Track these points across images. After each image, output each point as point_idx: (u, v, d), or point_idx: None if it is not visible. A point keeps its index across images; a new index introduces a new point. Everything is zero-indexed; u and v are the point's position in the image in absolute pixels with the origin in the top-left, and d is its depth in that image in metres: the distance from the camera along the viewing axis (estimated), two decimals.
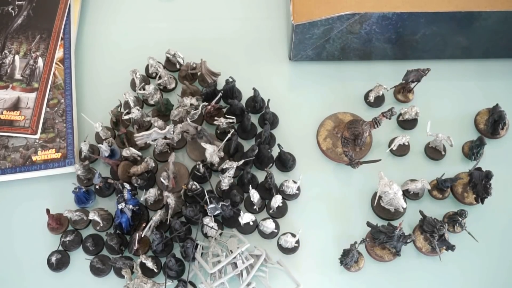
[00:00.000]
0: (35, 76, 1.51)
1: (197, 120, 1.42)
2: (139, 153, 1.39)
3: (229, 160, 1.35)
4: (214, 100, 1.43)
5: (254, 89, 1.44)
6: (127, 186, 1.32)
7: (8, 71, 1.52)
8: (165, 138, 1.39)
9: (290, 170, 1.41)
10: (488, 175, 1.29)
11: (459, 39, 1.47)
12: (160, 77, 1.49)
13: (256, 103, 1.47)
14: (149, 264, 1.26)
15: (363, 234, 1.33)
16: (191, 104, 1.40)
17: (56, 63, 1.53)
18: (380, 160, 1.38)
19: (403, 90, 1.49)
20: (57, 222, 1.35)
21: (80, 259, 1.34)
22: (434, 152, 1.42)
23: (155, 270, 1.28)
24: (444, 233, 1.25)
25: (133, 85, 1.52)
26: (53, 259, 1.32)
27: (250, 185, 1.33)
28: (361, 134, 1.34)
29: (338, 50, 1.50)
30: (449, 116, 1.47)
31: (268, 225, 1.31)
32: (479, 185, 1.31)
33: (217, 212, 1.30)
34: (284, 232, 1.34)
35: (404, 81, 1.46)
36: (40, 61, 1.52)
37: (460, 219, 1.30)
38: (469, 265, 1.31)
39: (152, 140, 1.38)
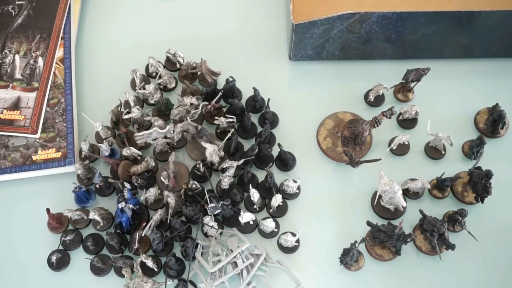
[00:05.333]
0: (35, 76, 1.51)
1: (197, 120, 1.42)
2: (139, 153, 1.39)
3: (229, 160, 1.36)
4: (214, 100, 1.43)
5: (254, 89, 1.44)
6: (127, 185, 1.32)
7: (8, 70, 1.52)
8: (165, 137, 1.39)
9: (290, 169, 1.42)
10: (488, 174, 1.29)
11: (459, 39, 1.47)
12: (160, 77, 1.49)
13: (256, 103, 1.47)
14: (149, 263, 1.26)
15: (363, 233, 1.33)
16: (191, 104, 1.40)
17: (56, 63, 1.53)
18: (380, 159, 1.38)
19: (403, 90, 1.49)
20: (57, 222, 1.35)
21: (80, 259, 1.34)
22: (434, 152, 1.42)
23: (155, 269, 1.28)
24: (444, 232, 1.25)
25: (133, 84, 1.52)
26: (54, 258, 1.32)
27: (250, 185, 1.33)
28: (361, 133, 1.34)
29: (338, 50, 1.50)
30: (449, 115, 1.48)
31: (268, 224, 1.31)
32: (479, 184, 1.31)
33: (217, 211, 1.30)
34: (284, 232, 1.34)
35: (404, 81, 1.46)
36: (40, 61, 1.53)
37: (460, 218, 1.30)
38: (469, 264, 1.31)
39: (152, 140, 1.38)
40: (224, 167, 1.33)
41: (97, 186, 1.37)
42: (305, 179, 1.38)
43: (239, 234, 1.33)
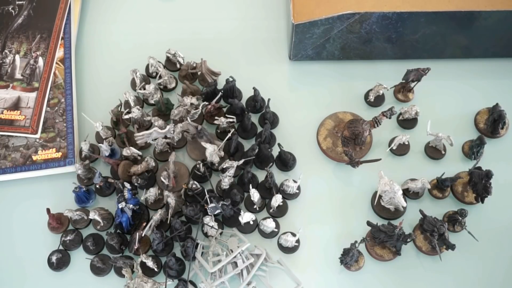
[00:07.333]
0: (35, 76, 1.51)
1: (197, 120, 1.42)
2: (140, 153, 1.39)
3: (229, 160, 1.36)
4: (214, 100, 1.43)
5: (254, 89, 1.44)
6: (127, 185, 1.32)
7: (9, 70, 1.52)
8: (166, 137, 1.39)
9: (290, 169, 1.42)
10: (488, 174, 1.29)
11: (459, 39, 1.47)
12: (160, 77, 1.49)
13: (256, 103, 1.47)
14: (150, 263, 1.26)
15: (363, 233, 1.33)
16: (192, 104, 1.40)
17: (56, 63, 1.53)
18: (380, 159, 1.38)
19: (403, 90, 1.49)
20: (57, 222, 1.35)
21: (80, 259, 1.34)
22: (434, 152, 1.42)
23: (156, 269, 1.28)
24: (444, 232, 1.25)
25: (133, 84, 1.52)
26: (54, 258, 1.32)
27: (251, 185, 1.33)
28: (361, 133, 1.34)
29: (338, 50, 1.50)
30: (449, 115, 1.48)
31: (268, 225, 1.31)
32: (479, 184, 1.31)
33: (217, 211, 1.30)
34: (284, 232, 1.34)
35: (404, 81, 1.46)
36: (41, 61, 1.53)
37: (460, 218, 1.30)
38: (469, 264, 1.31)
39: (152, 140, 1.38)
40: (224, 167, 1.33)
41: (97, 186, 1.37)
42: (305, 179, 1.38)
43: (239, 234, 1.33)
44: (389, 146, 1.41)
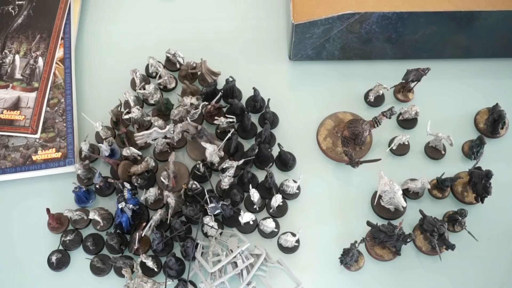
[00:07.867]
0: (35, 76, 1.51)
1: (197, 120, 1.42)
2: (139, 153, 1.39)
3: (229, 160, 1.36)
4: (214, 100, 1.43)
5: (254, 89, 1.44)
6: (127, 185, 1.32)
7: (9, 70, 1.52)
8: (165, 137, 1.39)
9: (290, 169, 1.42)
10: (488, 175, 1.29)
11: (459, 39, 1.47)
12: (160, 77, 1.49)
13: (256, 103, 1.47)
14: (149, 263, 1.26)
15: (363, 234, 1.33)
16: (191, 104, 1.40)
17: (56, 63, 1.53)
18: (380, 159, 1.38)
19: (403, 90, 1.49)
20: (57, 222, 1.35)
21: (80, 259, 1.34)
22: (434, 152, 1.42)
23: (155, 269, 1.28)
24: (444, 232, 1.25)
25: (133, 84, 1.52)
26: (54, 258, 1.32)
27: (250, 185, 1.33)
28: (361, 133, 1.34)
29: (338, 50, 1.50)
30: (449, 115, 1.48)
31: (268, 225, 1.31)
32: (479, 184, 1.31)
33: (217, 211, 1.30)
34: (284, 232, 1.34)
35: (404, 81, 1.46)
36: (40, 61, 1.53)
37: (460, 218, 1.30)
38: (469, 264, 1.31)
39: (152, 140, 1.38)
40: (224, 167, 1.33)
41: (97, 186, 1.37)
42: (305, 179, 1.38)
43: (239, 234, 1.33)
44: (389, 146, 1.41)
